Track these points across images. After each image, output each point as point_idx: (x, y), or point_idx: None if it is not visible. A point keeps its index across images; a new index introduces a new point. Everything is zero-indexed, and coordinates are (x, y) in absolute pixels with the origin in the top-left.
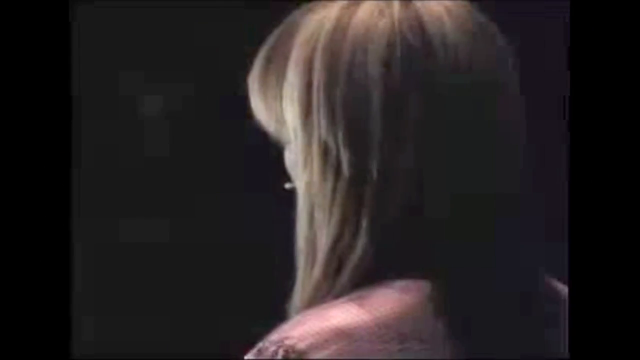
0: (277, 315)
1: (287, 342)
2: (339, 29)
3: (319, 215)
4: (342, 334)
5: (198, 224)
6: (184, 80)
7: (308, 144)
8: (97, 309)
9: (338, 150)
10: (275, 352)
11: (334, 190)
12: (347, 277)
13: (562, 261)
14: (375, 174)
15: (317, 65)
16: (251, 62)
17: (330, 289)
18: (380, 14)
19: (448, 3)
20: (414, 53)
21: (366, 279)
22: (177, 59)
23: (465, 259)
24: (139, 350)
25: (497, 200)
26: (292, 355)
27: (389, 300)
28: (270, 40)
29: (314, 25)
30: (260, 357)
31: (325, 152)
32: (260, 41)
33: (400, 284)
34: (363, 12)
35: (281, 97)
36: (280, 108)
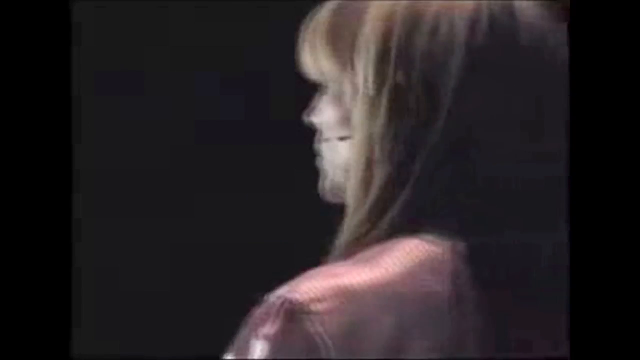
0: None
1: (288, 295)
2: None
3: (378, 157)
4: (343, 292)
5: (198, 224)
6: (184, 79)
7: (378, 89)
8: (97, 309)
9: (408, 97)
10: (281, 305)
11: (397, 134)
12: (387, 223)
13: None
14: (440, 122)
15: (399, 18)
16: (250, 61)
17: (369, 231)
18: None
19: None
20: (498, 19)
21: (401, 230)
22: (177, 58)
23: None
24: (139, 351)
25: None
26: (289, 306)
27: (398, 261)
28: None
29: None
30: (267, 310)
31: (394, 98)
32: (260, 40)
33: (416, 242)
34: None
35: (353, 47)
36: (350, 57)
